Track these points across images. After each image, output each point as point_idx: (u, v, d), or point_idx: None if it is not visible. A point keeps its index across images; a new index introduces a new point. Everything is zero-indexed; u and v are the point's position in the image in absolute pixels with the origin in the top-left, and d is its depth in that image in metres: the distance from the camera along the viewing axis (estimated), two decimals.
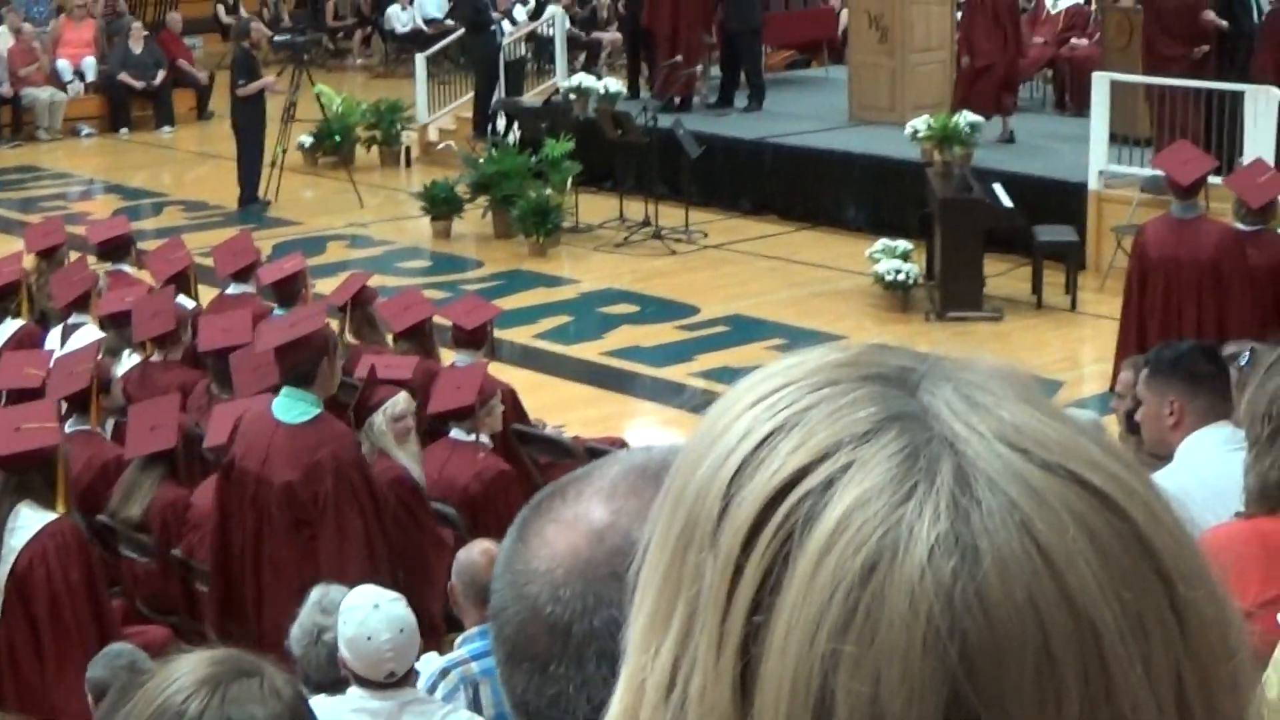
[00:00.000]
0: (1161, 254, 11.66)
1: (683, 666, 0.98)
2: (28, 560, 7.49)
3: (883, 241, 15.84)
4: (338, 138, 22.05)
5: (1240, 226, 11.60)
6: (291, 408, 8.08)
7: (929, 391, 0.98)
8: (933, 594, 0.90)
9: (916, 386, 0.99)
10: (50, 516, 7.59)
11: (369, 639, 5.83)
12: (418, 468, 8.79)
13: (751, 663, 0.94)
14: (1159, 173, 15.91)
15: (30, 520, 7.55)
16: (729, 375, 11.80)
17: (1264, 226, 11.54)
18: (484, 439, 9.29)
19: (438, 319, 10.91)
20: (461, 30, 23.52)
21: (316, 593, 6.30)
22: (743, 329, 15.15)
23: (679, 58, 20.39)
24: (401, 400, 8.79)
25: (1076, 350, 14.92)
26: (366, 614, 5.87)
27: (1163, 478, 5.35)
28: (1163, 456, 5.34)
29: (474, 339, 10.16)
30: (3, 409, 8.39)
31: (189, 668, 2.79)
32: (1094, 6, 22.02)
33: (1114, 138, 16.66)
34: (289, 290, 11.20)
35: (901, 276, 15.38)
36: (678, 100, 20.75)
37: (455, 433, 9.25)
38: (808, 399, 0.98)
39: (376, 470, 8.45)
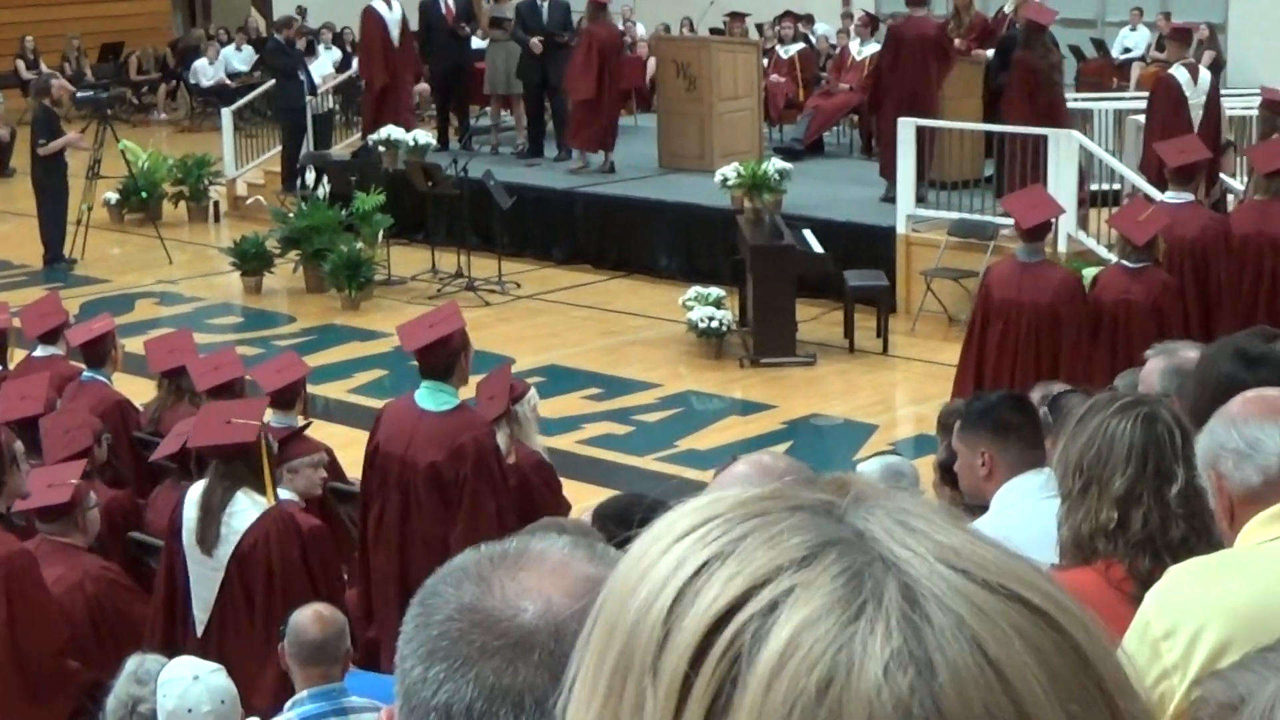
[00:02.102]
0: (1004, 296, 11.91)
1: None
2: (252, 541, 8.07)
3: (695, 289, 15.94)
4: (144, 194, 21.77)
5: (1125, 264, 11.83)
6: (433, 398, 8.86)
7: (861, 518, 1.01)
8: (891, 707, 0.93)
9: (844, 514, 1.02)
10: (263, 505, 8.18)
11: (189, 711, 5.73)
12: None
13: None
14: (966, 216, 16.29)
15: (247, 505, 8.12)
16: (546, 426, 11.81)
17: (1147, 263, 11.78)
18: (296, 496, 9.16)
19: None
20: (269, 83, 23.33)
21: (132, 663, 6.17)
22: (559, 379, 15.15)
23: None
24: (534, 394, 10.11)
25: (889, 393, 15.09)
26: (186, 686, 5.76)
27: (980, 528, 5.42)
28: (980, 506, 5.40)
29: (287, 398, 10.04)
30: (213, 404, 9.05)
31: None
32: None
33: (920, 182, 16.91)
34: (97, 351, 11.00)
35: (715, 323, 15.47)
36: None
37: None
38: (739, 529, 1.01)
39: (520, 455, 9.49)
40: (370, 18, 21.64)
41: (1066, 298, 11.76)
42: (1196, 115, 16.27)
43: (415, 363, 9.10)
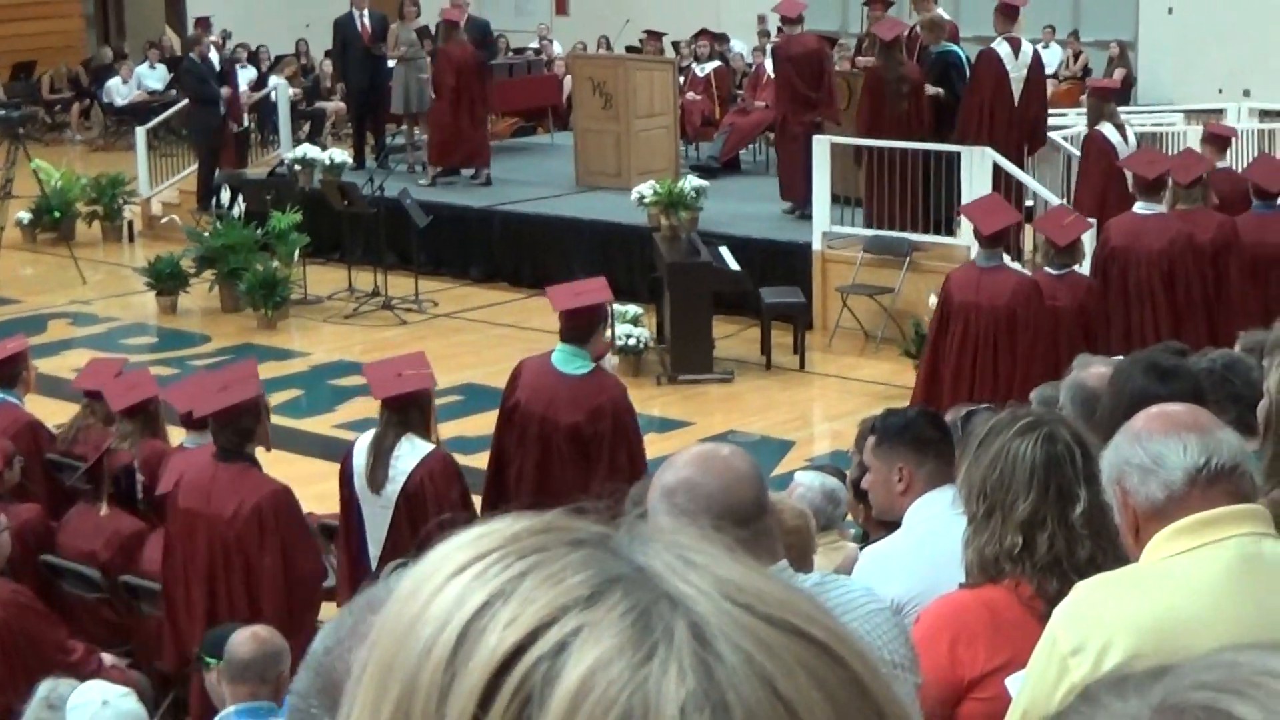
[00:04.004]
0: (963, 299, 12.17)
1: None
2: (419, 480, 8.78)
3: (613, 306, 15.93)
4: (57, 213, 21.60)
5: (1048, 270, 12.20)
6: (569, 361, 9.63)
7: (640, 552, 1.02)
8: None
9: (622, 549, 1.02)
10: (429, 447, 8.93)
11: None
12: None
13: None
14: (881, 233, 16.38)
15: (411, 449, 8.84)
16: (465, 445, 11.81)
17: (1070, 269, 12.16)
18: None
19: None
20: (183, 102, 23.20)
21: (44, 688, 6.13)
22: (477, 397, 15.08)
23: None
24: (614, 358, 10.86)
25: (806, 409, 15.13)
26: (95, 711, 5.72)
27: (893, 542, 5.45)
28: (891, 523, 5.42)
29: (201, 420, 9.98)
30: (384, 359, 10.00)
31: None
32: None
33: (835, 198, 16.98)
34: (9, 372, 10.90)
35: (632, 341, 15.47)
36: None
37: None
38: (518, 565, 1.00)
39: None
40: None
41: (1023, 300, 12.00)
42: (1017, 88, 16.65)
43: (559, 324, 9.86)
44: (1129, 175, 13.76)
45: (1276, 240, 12.93)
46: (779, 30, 20.13)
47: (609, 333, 9.88)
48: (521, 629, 0.97)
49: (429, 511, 8.64)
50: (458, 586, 1.00)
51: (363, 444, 9.00)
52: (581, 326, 9.69)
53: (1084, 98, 19.08)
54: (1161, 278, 12.69)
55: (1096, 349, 10.59)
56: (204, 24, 25.87)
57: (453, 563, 1.02)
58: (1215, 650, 1.14)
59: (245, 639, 6.35)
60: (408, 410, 8.95)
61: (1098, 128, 16.20)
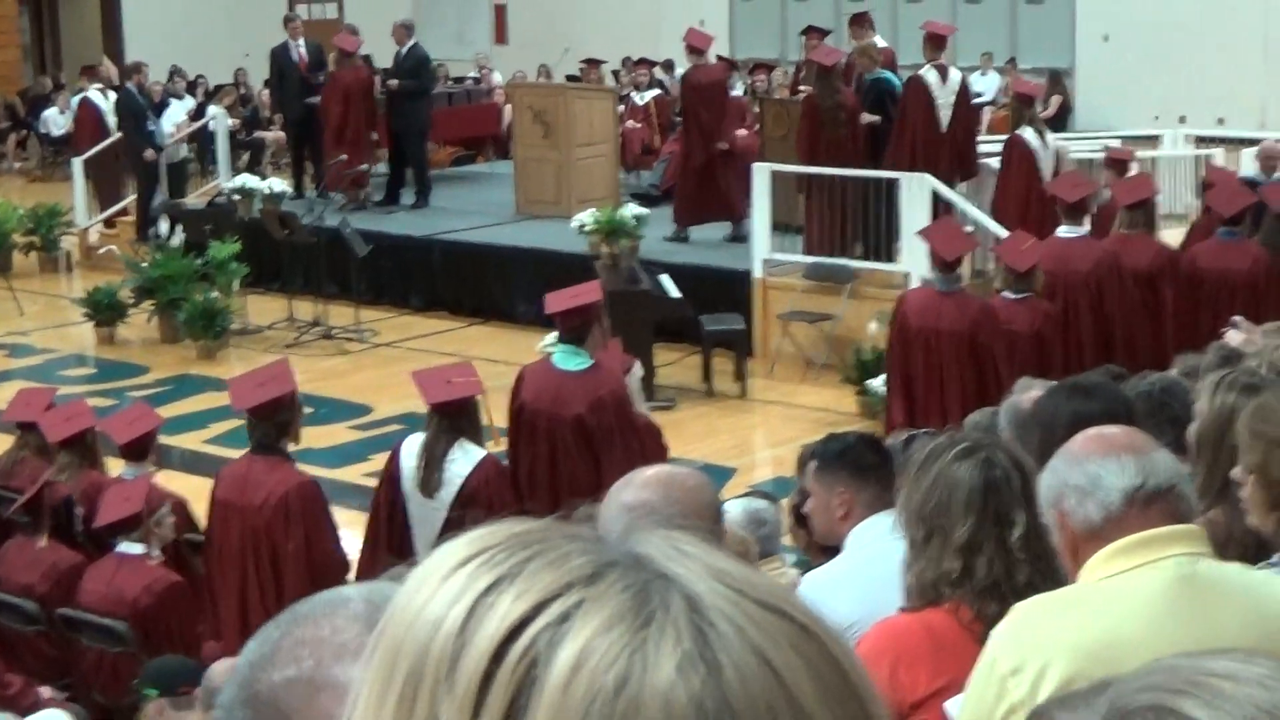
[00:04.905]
0: (922, 324, 12.29)
1: None
2: (475, 484, 9.19)
3: (553, 335, 15.89)
4: None
5: (1007, 295, 12.35)
6: (570, 360, 10.29)
7: (638, 543, 1.09)
8: (685, 700, 1.01)
9: (618, 541, 1.10)
10: (482, 452, 9.37)
11: None
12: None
13: None
14: (821, 259, 16.44)
15: (465, 455, 9.25)
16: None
17: (1029, 293, 12.31)
18: (154, 550, 9.08)
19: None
20: (118, 134, 23.10)
21: None
22: (418, 427, 15.02)
23: (343, 156, 20.30)
24: (639, 366, 11.72)
25: (748, 437, 15.14)
26: None
27: (834, 568, 5.46)
28: (833, 548, 5.43)
29: (138, 449, 9.94)
30: (432, 368, 10.44)
31: None
32: (751, 99, 22.53)
33: (775, 226, 17.02)
34: None
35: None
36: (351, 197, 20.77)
37: (123, 546, 9.02)
38: (521, 554, 1.08)
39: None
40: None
41: (985, 324, 12.15)
42: (945, 114, 16.84)
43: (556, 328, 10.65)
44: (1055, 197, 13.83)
45: (1241, 267, 12.79)
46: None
47: (606, 327, 10.54)
48: (527, 602, 1.04)
49: (484, 515, 8.75)
50: (463, 575, 1.08)
51: (410, 447, 9.42)
52: (576, 326, 10.33)
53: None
54: (1090, 300, 12.78)
55: (1052, 376, 10.70)
56: (138, 66, 25.78)
57: (458, 556, 1.10)
58: (1155, 660, 1.19)
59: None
60: (459, 416, 9.38)
61: (1019, 132, 16.41)
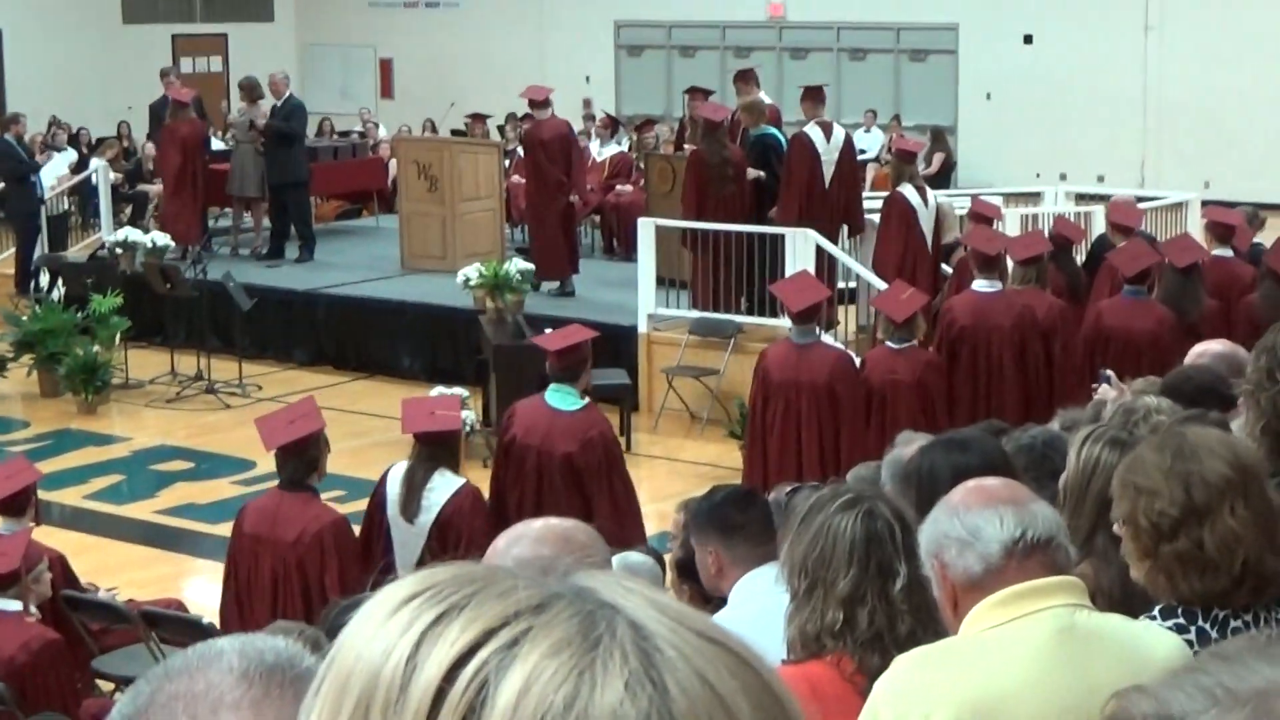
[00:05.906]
0: (782, 377, 12.40)
1: None
2: (450, 512, 9.57)
3: (439, 389, 15.86)
4: None
5: (889, 344, 12.56)
6: (563, 399, 10.63)
7: (581, 579, 1.15)
8: (633, 717, 1.05)
9: (562, 578, 1.15)
10: (460, 481, 9.73)
11: None
12: None
13: None
14: (706, 314, 16.51)
15: (443, 483, 9.63)
16: None
17: (911, 342, 12.49)
18: (31, 608, 8.95)
19: None
20: None
21: None
22: None
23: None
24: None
25: None
26: None
27: (718, 621, 5.45)
28: (720, 600, 5.43)
29: (16, 505, 9.80)
30: (417, 398, 10.92)
31: None
32: (636, 154, 22.64)
33: (660, 281, 17.08)
34: None
35: None
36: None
37: (0, 603, 8.88)
38: (467, 588, 1.12)
39: None
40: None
41: (842, 376, 12.28)
42: (829, 171, 17.00)
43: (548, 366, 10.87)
44: (969, 251, 13.90)
45: (1145, 327, 12.58)
46: (525, 116, 20.73)
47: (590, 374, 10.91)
48: (476, 630, 1.08)
49: (460, 540, 9.31)
50: (410, 609, 1.11)
51: (396, 475, 9.79)
52: (571, 365, 10.69)
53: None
54: (1013, 354, 12.90)
55: (936, 424, 10.78)
56: (15, 118, 25.58)
57: (405, 591, 1.14)
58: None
59: None
60: (439, 446, 9.75)
61: (899, 189, 16.57)
